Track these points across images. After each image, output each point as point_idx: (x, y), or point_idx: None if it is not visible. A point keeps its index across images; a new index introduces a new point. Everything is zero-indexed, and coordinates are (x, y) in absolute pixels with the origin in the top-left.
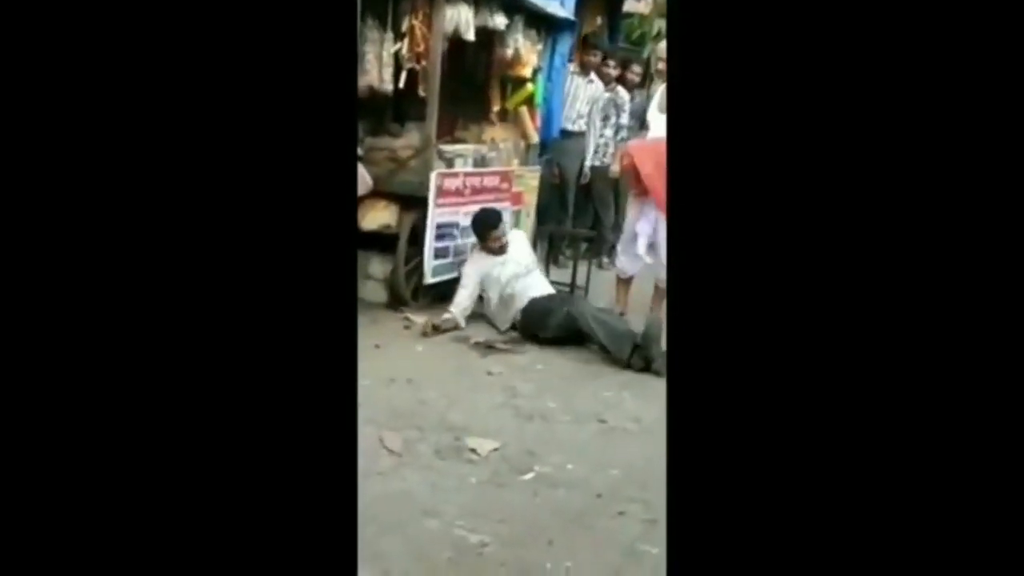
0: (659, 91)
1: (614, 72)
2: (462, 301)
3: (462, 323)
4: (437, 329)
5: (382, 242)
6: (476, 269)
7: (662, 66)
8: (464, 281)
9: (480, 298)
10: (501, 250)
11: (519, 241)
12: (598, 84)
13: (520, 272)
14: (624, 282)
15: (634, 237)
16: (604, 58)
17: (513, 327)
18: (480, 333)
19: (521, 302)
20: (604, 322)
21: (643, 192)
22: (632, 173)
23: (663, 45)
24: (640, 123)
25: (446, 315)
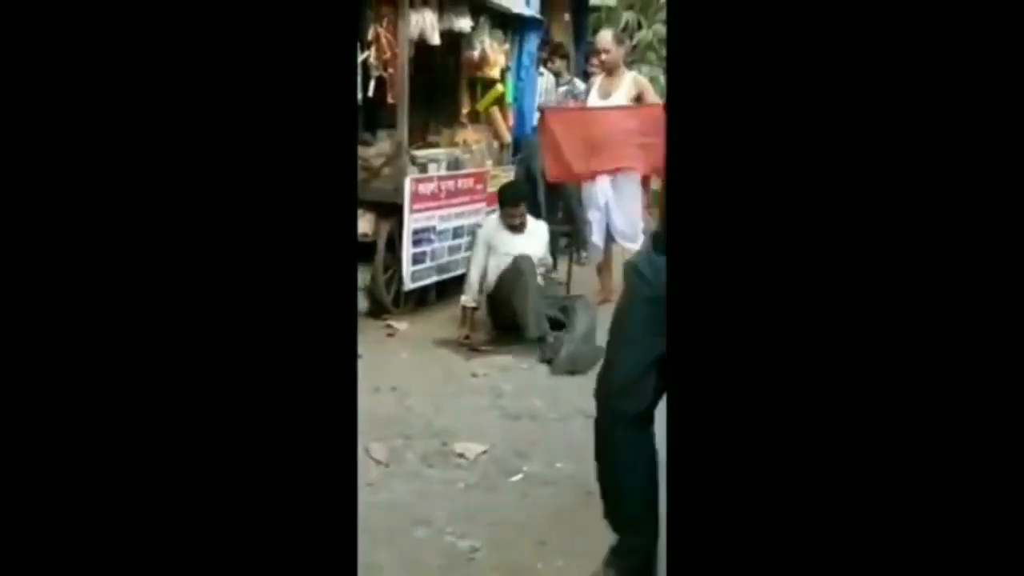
0: (596, 80)
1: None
2: (475, 268)
3: (475, 299)
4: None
5: (360, 251)
6: (486, 232)
7: (604, 57)
8: (476, 252)
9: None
10: (513, 228)
11: (539, 235)
12: (549, 77)
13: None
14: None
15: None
16: (554, 51)
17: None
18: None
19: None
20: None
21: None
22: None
23: (601, 35)
24: None
25: (464, 300)
